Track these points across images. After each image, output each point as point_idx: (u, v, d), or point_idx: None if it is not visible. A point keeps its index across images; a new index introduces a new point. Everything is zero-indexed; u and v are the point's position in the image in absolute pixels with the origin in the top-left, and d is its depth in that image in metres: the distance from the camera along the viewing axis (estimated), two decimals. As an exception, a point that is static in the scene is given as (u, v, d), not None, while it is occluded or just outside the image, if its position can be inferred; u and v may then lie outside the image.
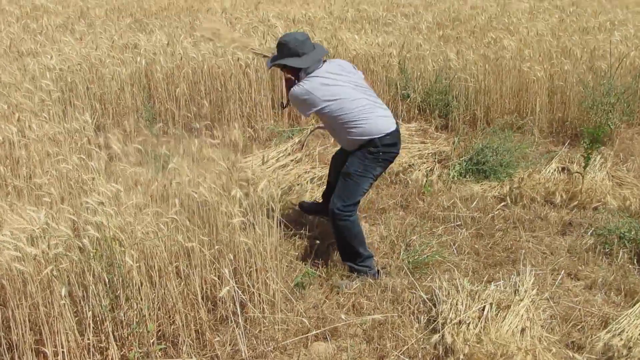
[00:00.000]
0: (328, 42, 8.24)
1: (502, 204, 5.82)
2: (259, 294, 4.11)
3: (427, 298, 4.42)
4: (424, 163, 6.67)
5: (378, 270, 4.71)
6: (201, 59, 7.50)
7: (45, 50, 7.79)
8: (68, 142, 5.26)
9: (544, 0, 12.57)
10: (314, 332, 4.07)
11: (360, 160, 4.52)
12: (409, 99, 7.91)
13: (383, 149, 4.52)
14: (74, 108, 6.30)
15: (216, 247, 4.01)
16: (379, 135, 4.49)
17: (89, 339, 3.61)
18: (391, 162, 4.73)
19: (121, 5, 11.80)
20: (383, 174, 6.11)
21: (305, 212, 5.47)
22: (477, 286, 4.40)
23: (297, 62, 4.51)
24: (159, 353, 3.80)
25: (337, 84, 4.54)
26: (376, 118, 4.55)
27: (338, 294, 4.50)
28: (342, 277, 4.68)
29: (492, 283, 4.49)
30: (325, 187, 5.43)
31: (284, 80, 4.77)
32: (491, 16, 10.50)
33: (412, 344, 3.98)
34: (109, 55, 7.55)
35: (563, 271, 4.79)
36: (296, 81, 4.57)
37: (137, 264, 3.68)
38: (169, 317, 3.91)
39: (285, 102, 4.96)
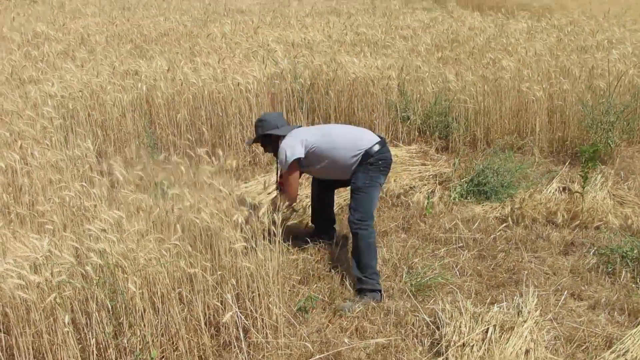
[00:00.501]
0: (327, 65, 8.27)
1: (504, 224, 5.82)
2: (262, 319, 4.10)
3: (430, 321, 4.41)
4: (425, 185, 6.68)
5: (380, 292, 4.71)
6: (201, 84, 7.53)
7: (46, 78, 7.82)
8: (70, 169, 5.28)
9: (542, 20, 12.63)
10: (318, 356, 4.06)
11: (364, 173, 4.91)
12: (409, 121, 7.93)
13: (378, 156, 4.93)
14: (76, 135, 6.32)
15: (218, 272, 4.01)
16: (369, 146, 4.93)
17: (92, 367, 3.60)
18: (389, 169, 5.12)
19: (121, 32, 11.86)
20: (384, 196, 6.19)
21: (302, 237, 5.50)
22: (480, 308, 4.39)
23: (278, 131, 5.12)
24: (163, 380, 3.80)
25: (315, 127, 5.38)
26: (360, 133, 5.18)
27: (341, 317, 4.49)
28: (345, 301, 4.68)
29: (495, 304, 4.49)
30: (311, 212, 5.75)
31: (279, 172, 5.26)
32: (489, 37, 10.54)
33: (416, 367, 3.97)
34: (110, 82, 7.58)
35: (566, 291, 4.79)
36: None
37: (140, 291, 3.69)
38: (172, 343, 3.90)
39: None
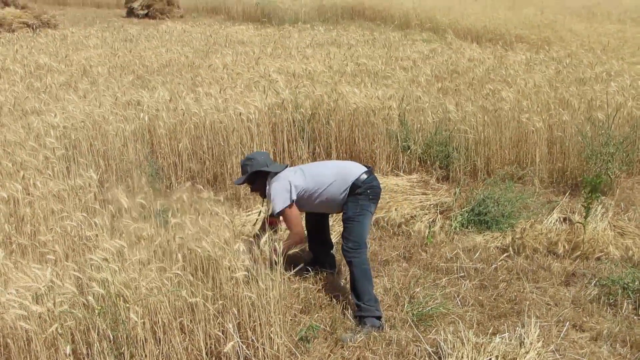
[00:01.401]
0: (328, 95, 8.33)
1: (505, 254, 5.82)
2: (264, 349, 4.09)
3: (432, 351, 4.40)
4: (426, 214, 6.69)
5: (380, 318, 4.72)
6: (203, 114, 7.57)
7: (49, 109, 7.87)
8: (72, 198, 5.29)
9: (540, 53, 12.71)
10: (319, 387, 4.04)
11: (354, 203, 4.99)
12: (409, 151, 7.96)
13: (366, 186, 5.00)
14: (78, 165, 6.35)
15: (220, 301, 4.01)
16: (356, 176, 5.01)
17: (93, 398, 3.59)
18: (378, 197, 5.18)
19: (123, 63, 11.93)
20: (385, 225, 6.19)
21: (303, 267, 5.48)
22: (482, 338, 4.38)
23: (267, 169, 5.11)
24: (164, 411, 3.78)
25: (300, 168, 5.22)
26: (347, 165, 5.30)
27: (343, 347, 4.48)
28: (346, 331, 4.66)
29: (497, 335, 4.47)
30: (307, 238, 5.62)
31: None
32: (488, 68, 10.61)
33: (419, 398, 3.95)
34: (112, 112, 7.63)
35: (568, 322, 4.78)
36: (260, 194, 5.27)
37: (142, 320, 3.68)
38: (174, 373, 3.89)
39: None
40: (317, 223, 5.54)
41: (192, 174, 7.44)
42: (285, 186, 4.96)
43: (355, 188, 4.97)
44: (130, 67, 11.63)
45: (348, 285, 5.17)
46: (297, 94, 8.36)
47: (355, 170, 5.09)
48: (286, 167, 5.23)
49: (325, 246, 5.63)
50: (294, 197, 4.96)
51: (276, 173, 5.08)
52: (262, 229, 5.19)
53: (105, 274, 3.68)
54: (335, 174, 5.08)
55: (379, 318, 4.72)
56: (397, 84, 9.47)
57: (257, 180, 5.16)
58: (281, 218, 5.04)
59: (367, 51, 13.06)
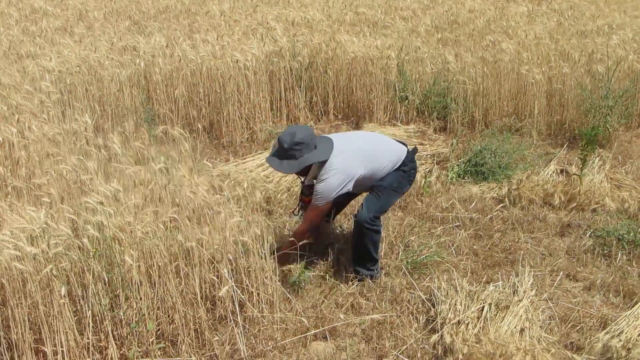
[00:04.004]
0: (327, 44, 8.24)
1: (501, 205, 5.83)
2: (258, 294, 4.11)
3: (425, 298, 4.43)
4: (423, 164, 6.68)
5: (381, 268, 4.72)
6: (200, 61, 7.49)
7: (44, 53, 7.77)
8: (67, 142, 5.26)
9: (542, 4, 12.55)
10: (313, 331, 4.08)
11: (394, 177, 4.59)
12: (407, 101, 7.91)
13: (411, 165, 4.67)
14: (73, 109, 6.29)
15: (215, 246, 4.01)
16: (405, 155, 4.65)
17: (88, 338, 3.61)
18: (413, 181, 4.84)
19: (119, 8, 11.75)
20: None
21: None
22: (475, 287, 4.41)
23: (322, 155, 4.39)
24: (158, 352, 3.81)
25: (360, 153, 4.51)
26: (394, 144, 4.76)
27: (337, 294, 4.50)
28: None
29: (491, 284, 4.51)
30: None
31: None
32: (489, 19, 10.48)
33: (411, 343, 3.99)
34: (107, 57, 7.54)
35: (562, 272, 4.81)
36: (302, 178, 4.71)
37: (137, 264, 3.69)
38: (168, 316, 3.91)
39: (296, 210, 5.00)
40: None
41: (188, 120, 7.39)
42: (344, 180, 4.35)
43: (403, 164, 4.61)
44: (127, 12, 11.47)
45: (342, 233, 5.19)
46: (295, 42, 8.26)
47: (402, 147, 4.71)
48: (332, 142, 4.50)
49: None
50: (343, 192, 4.44)
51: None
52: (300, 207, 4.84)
53: (100, 217, 3.67)
54: (392, 152, 4.63)
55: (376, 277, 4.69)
56: (397, 34, 9.36)
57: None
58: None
59: (367, 0, 12.89)
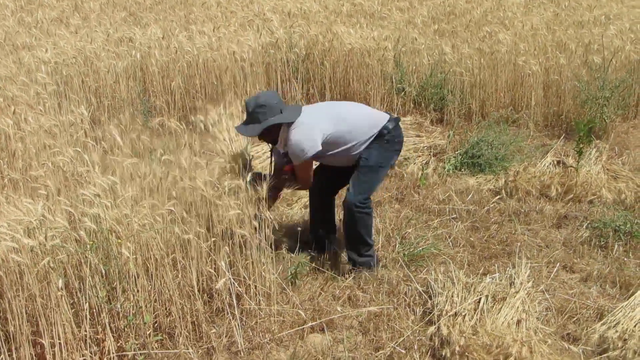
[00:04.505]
0: (323, 35, 8.23)
1: (498, 197, 5.83)
2: (255, 286, 4.12)
3: (422, 290, 4.43)
4: (420, 156, 6.68)
5: (375, 260, 4.71)
6: (196, 52, 7.49)
7: (40, 44, 7.76)
8: (64, 134, 5.25)
9: (539, -5, 12.56)
10: (310, 323, 4.08)
11: (378, 151, 4.50)
12: (404, 93, 7.90)
13: (394, 133, 4.55)
14: (70, 101, 6.28)
15: (212, 239, 4.01)
16: (385, 122, 4.53)
17: (85, 331, 3.61)
18: (400, 150, 4.74)
19: (116, -1, 11.77)
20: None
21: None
22: (472, 278, 4.42)
23: (285, 118, 4.38)
24: (156, 345, 3.81)
25: (324, 110, 4.67)
26: (372, 110, 4.77)
27: (334, 285, 4.50)
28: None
29: (488, 275, 4.51)
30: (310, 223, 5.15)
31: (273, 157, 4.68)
32: (486, 10, 10.47)
33: (408, 335, 3.99)
34: (104, 49, 7.53)
35: (558, 264, 4.81)
36: (271, 146, 4.64)
37: (134, 256, 3.68)
38: (166, 308, 3.91)
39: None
40: (322, 204, 5.01)
41: (184, 112, 7.38)
42: (314, 133, 4.32)
43: (383, 134, 4.49)
44: (123, 3, 11.45)
45: (340, 224, 5.18)
46: (292, 34, 8.25)
47: (383, 115, 4.61)
48: (300, 107, 4.56)
49: (330, 225, 5.09)
50: (319, 148, 4.34)
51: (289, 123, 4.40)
52: (273, 176, 4.58)
53: (97, 209, 3.67)
54: (365, 115, 4.59)
55: (373, 264, 4.68)
56: (393, 25, 9.35)
57: (272, 129, 4.42)
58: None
59: (364, -9, 12.87)
